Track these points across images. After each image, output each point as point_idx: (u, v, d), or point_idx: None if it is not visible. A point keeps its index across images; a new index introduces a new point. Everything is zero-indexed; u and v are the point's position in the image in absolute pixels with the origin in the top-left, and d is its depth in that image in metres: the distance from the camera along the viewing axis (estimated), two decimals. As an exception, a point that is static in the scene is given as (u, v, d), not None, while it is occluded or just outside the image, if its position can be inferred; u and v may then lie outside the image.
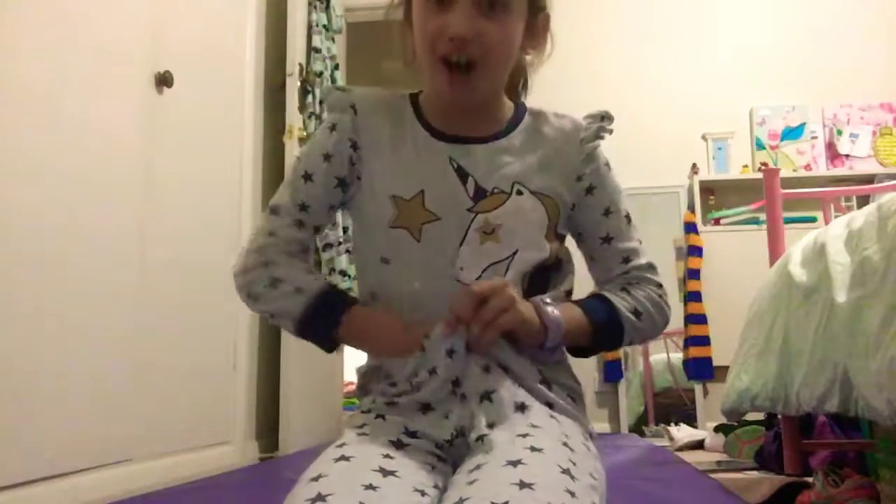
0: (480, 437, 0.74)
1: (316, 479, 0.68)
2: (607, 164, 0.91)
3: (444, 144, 0.87)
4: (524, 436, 0.73)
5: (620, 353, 3.56)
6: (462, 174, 0.85)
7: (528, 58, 0.92)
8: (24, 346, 1.56)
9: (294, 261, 0.87)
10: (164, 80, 2.09)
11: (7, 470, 1.49)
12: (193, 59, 2.32)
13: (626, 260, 0.90)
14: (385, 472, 0.69)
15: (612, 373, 3.62)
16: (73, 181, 1.73)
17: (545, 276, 0.88)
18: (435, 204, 0.84)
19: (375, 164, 0.87)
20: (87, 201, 1.78)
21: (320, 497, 0.64)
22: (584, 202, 0.89)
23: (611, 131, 0.91)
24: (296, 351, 2.73)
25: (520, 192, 0.85)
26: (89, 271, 1.78)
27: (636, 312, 0.87)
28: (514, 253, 0.84)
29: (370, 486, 0.66)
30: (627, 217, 0.91)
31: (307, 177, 0.88)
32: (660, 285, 0.91)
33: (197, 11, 2.39)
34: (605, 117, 0.91)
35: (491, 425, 0.76)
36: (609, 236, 0.90)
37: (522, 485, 0.63)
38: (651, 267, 0.91)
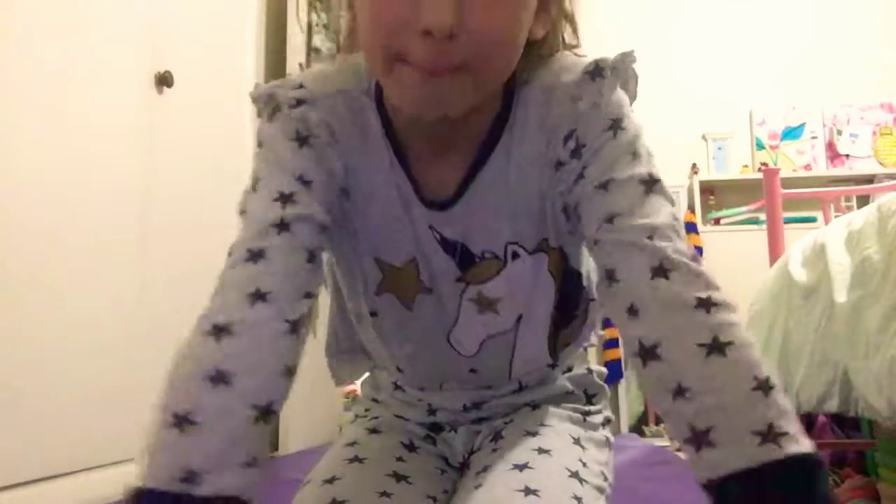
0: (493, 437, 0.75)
1: (330, 481, 0.68)
2: (610, 115, 0.60)
3: (421, 207, 0.65)
4: (533, 434, 0.72)
5: (620, 352, 3.56)
6: (447, 245, 0.66)
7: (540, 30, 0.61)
8: (24, 346, 1.56)
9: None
10: (164, 80, 2.09)
11: (7, 470, 1.49)
12: (193, 59, 2.32)
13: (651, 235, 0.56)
14: (399, 477, 0.69)
15: (613, 373, 3.62)
16: (72, 181, 1.73)
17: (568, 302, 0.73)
18: (427, 274, 0.68)
19: (359, 217, 0.67)
20: (87, 201, 1.78)
21: (335, 502, 0.64)
22: (574, 176, 0.62)
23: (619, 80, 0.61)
24: (296, 351, 2.73)
25: (516, 255, 0.67)
26: (89, 271, 1.78)
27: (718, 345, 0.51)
28: (519, 319, 0.70)
29: (385, 494, 0.66)
30: (647, 184, 0.58)
31: (284, 198, 0.60)
32: (691, 258, 0.56)
33: (197, 11, 2.39)
34: (602, 69, 0.61)
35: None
36: (613, 214, 0.58)
37: (528, 491, 0.62)
38: (670, 230, 0.56)
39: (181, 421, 0.51)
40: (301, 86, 0.64)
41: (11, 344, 1.53)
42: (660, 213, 0.57)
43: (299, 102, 0.63)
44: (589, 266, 0.72)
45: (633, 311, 0.55)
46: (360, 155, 0.64)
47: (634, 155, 0.60)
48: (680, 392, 0.51)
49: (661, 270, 0.54)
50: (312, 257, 0.59)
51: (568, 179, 0.62)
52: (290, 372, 0.56)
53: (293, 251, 0.58)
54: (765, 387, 0.50)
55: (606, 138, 0.60)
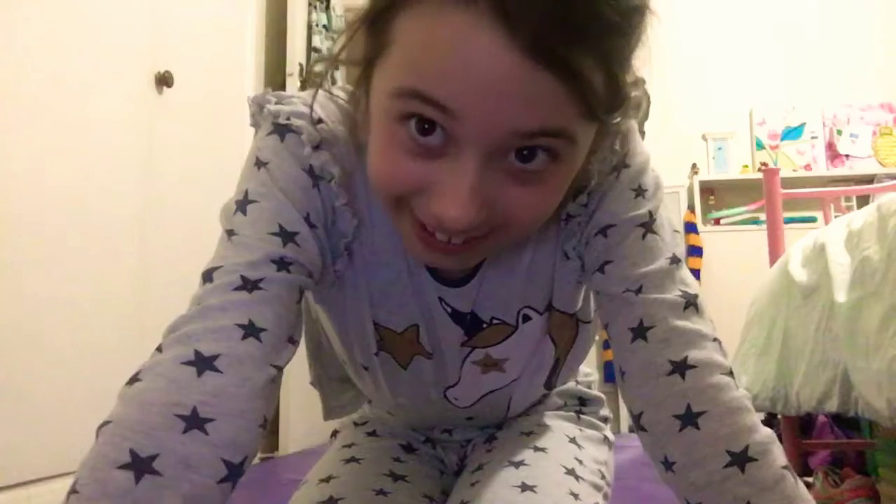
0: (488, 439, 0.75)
1: (326, 479, 0.68)
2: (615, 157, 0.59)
3: (432, 281, 0.62)
4: (529, 434, 0.73)
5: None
6: (457, 316, 0.64)
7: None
8: (25, 347, 1.56)
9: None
10: (164, 80, 2.09)
11: (7, 470, 1.49)
12: (193, 59, 2.32)
13: (640, 291, 0.56)
14: (395, 477, 0.69)
15: (613, 373, 3.61)
16: (72, 181, 1.73)
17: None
18: (428, 340, 0.65)
19: (360, 280, 0.62)
20: (87, 201, 1.78)
21: (332, 500, 0.64)
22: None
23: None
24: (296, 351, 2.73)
25: (528, 318, 0.65)
26: (89, 271, 1.78)
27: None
28: (520, 375, 0.69)
29: (381, 492, 0.66)
30: (647, 225, 0.58)
31: (286, 235, 0.54)
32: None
33: (197, 11, 2.39)
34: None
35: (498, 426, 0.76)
36: (606, 261, 0.58)
37: (524, 487, 0.62)
38: (661, 275, 0.56)
39: (140, 466, 0.43)
40: (321, 121, 0.57)
41: (12, 343, 1.53)
42: (655, 257, 0.57)
43: (320, 143, 0.56)
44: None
45: (621, 372, 0.57)
46: (367, 216, 0.60)
47: (638, 191, 0.58)
48: (668, 465, 0.53)
49: (641, 331, 0.55)
50: (300, 301, 0.54)
51: (577, 230, 0.60)
52: (264, 426, 0.49)
53: (290, 290, 0.52)
54: (741, 461, 0.49)
55: (611, 180, 0.58)
